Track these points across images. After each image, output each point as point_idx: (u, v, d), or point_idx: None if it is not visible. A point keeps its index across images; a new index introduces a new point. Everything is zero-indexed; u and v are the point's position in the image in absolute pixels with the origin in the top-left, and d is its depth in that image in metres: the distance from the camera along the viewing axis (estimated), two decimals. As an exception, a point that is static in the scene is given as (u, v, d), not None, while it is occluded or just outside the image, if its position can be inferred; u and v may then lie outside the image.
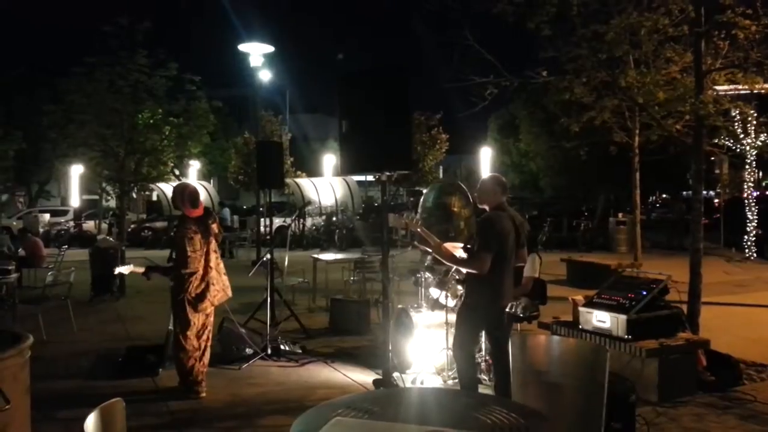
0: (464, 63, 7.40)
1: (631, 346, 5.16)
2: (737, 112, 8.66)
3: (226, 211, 19.99)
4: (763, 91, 7.23)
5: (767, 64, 6.59)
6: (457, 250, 4.72)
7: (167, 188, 21.98)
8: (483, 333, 5.03)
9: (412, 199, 38.32)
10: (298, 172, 25.38)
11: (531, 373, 2.56)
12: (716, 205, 26.72)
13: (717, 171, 18.71)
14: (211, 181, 25.76)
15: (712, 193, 39.03)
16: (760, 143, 13.91)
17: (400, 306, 6.27)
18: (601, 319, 5.44)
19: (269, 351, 6.51)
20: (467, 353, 4.49)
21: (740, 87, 7.51)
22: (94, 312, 9.41)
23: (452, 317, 5.80)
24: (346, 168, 3.84)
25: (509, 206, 4.68)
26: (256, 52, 15.36)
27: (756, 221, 15.19)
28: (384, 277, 4.06)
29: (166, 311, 9.24)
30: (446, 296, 5.83)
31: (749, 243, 15.19)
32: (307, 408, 4.98)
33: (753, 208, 15.25)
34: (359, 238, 18.26)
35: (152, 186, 22.51)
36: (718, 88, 6.97)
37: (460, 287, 5.53)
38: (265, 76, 18.25)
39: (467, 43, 7.24)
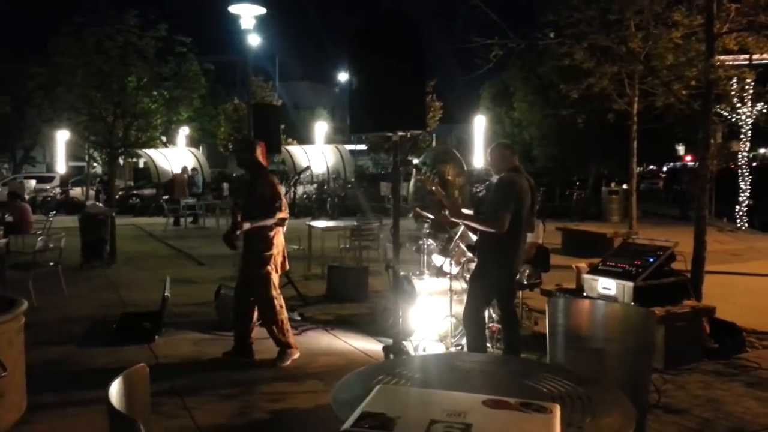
0: (468, 25, 7.19)
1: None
2: (735, 80, 8.55)
3: (198, 178, 19.59)
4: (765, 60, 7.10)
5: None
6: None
7: (156, 155, 21.65)
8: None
9: (403, 168, 38.19)
10: (290, 140, 25.03)
11: (574, 338, 2.46)
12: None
13: (711, 140, 18.63)
14: (200, 147, 25.35)
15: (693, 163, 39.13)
16: (756, 112, 13.81)
17: (402, 273, 6.16)
18: (606, 286, 5.36)
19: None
20: (479, 321, 4.42)
21: (740, 57, 7.38)
22: (85, 279, 9.23)
23: (456, 284, 5.74)
24: (357, 127, 3.67)
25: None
26: (248, 14, 14.92)
27: (748, 192, 15.19)
28: (394, 243, 3.93)
29: (159, 277, 9.21)
30: (450, 263, 5.74)
31: (741, 213, 15.22)
32: (309, 375, 4.97)
33: (746, 179, 15.24)
34: (351, 207, 18.11)
35: (140, 152, 22.14)
36: (720, 57, 6.83)
37: (469, 253, 5.43)
38: (255, 41, 17.80)
39: (473, 3, 7.00)
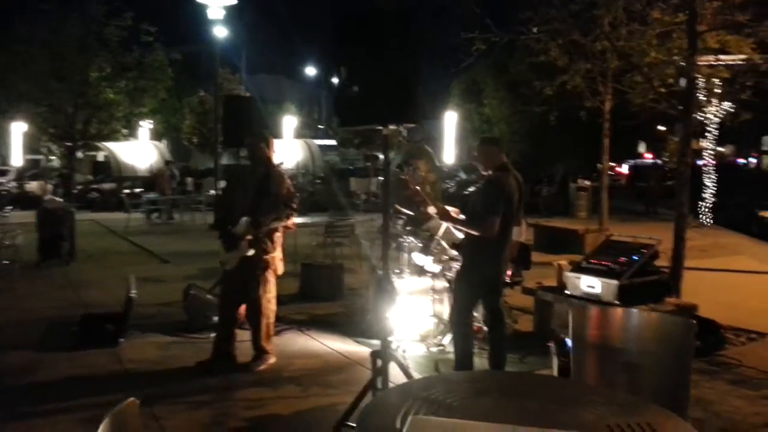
0: (451, 19, 7.05)
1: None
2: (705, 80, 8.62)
3: (175, 171, 19.01)
4: (741, 61, 7.11)
5: (752, 26, 6.45)
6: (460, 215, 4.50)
7: (117, 148, 20.94)
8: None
9: (369, 164, 38.04)
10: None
11: (604, 351, 2.29)
12: (668, 172, 27.35)
13: (677, 138, 18.92)
14: (163, 141, 24.63)
15: (659, 161, 40.11)
16: (723, 111, 14.02)
17: (380, 272, 5.96)
18: (590, 284, 5.27)
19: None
20: (466, 322, 4.27)
21: (711, 58, 7.40)
22: (43, 277, 8.77)
23: (439, 283, 5.57)
24: (346, 120, 3.46)
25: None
26: (216, 3, 14.51)
27: (713, 189, 15.44)
28: (383, 242, 3.73)
29: (122, 276, 8.80)
30: (432, 262, 5.58)
31: (705, 210, 15.46)
32: (286, 380, 4.73)
33: (711, 177, 15.50)
34: (321, 202, 17.82)
35: (100, 146, 21.39)
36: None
37: (454, 252, 5.28)
38: (221, 32, 17.35)
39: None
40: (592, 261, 5.45)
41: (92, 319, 5.96)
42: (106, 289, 7.99)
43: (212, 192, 19.99)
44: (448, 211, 4.49)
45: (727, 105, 14.04)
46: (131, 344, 5.56)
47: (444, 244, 5.77)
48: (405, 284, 5.59)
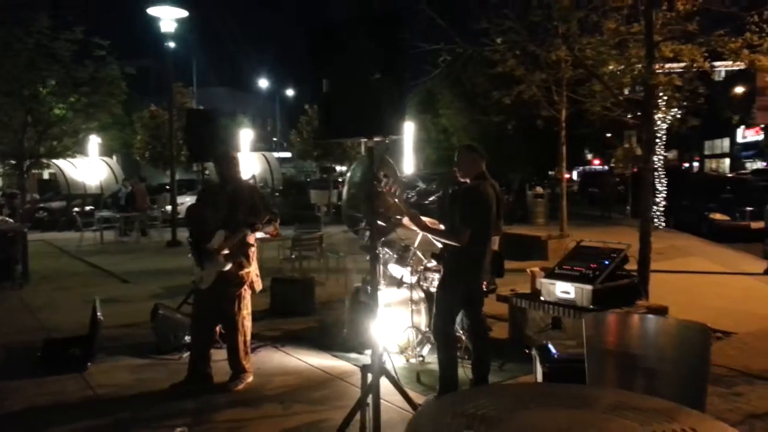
0: (415, 30, 7.10)
1: (596, 317, 5.11)
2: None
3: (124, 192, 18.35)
4: (695, 68, 7.40)
5: (701, 36, 6.73)
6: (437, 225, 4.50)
7: (66, 165, 20.23)
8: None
9: (325, 175, 37.85)
10: (211, 148, 23.98)
11: (620, 358, 2.31)
12: (618, 179, 28.23)
13: (626, 145, 19.58)
14: (114, 157, 23.94)
15: (605, 167, 41.33)
16: (671, 118, 14.55)
17: (357, 284, 5.92)
18: (564, 290, 5.34)
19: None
20: (449, 332, 4.27)
21: (667, 66, 7.68)
22: (-5, 302, 8.37)
23: (416, 294, 5.56)
24: (328, 133, 3.42)
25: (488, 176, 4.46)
26: (168, 16, 14.23)
27: (664, 193, 15.99)
28: (371, 256, 3.70)
29: (80, 298, 8.47)
30: (409, 273, 5.57)
31: (658, 213, 15.97)
32: (267, 398, 4.62)
33: (662, 181, 16.04)
34: (281, 216, 17.61)
35: (46, 163, 20.62)
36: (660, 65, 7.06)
37: (426, 262, 5.28)
38: (173, 45, 17.02)
39: (418, 8, 6.90)
40: (565, 267, 5.52)
41: (55, 343, 5.72)
42: (64, 311, 7.68)
43: (168, 208, 19.55)
44: (421, 220, 4.50)
45: (674, 111, 14.66)
46: (99, 368, 5.35)
47: (420, 254, 5.78)
48: (382, 296, 5.54)
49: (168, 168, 25.05)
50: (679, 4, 6.75)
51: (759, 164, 34.27)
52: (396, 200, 4.35)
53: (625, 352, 2.33)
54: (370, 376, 3.48)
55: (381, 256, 5.89)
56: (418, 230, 4.69)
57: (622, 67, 6.88)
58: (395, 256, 5.76)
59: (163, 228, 17.25)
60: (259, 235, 5.66)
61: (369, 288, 5.55)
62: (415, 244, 5.64)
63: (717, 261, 10.75)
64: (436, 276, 5.62)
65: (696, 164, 45.00)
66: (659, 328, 2.42)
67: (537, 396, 1.53)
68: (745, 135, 38.59)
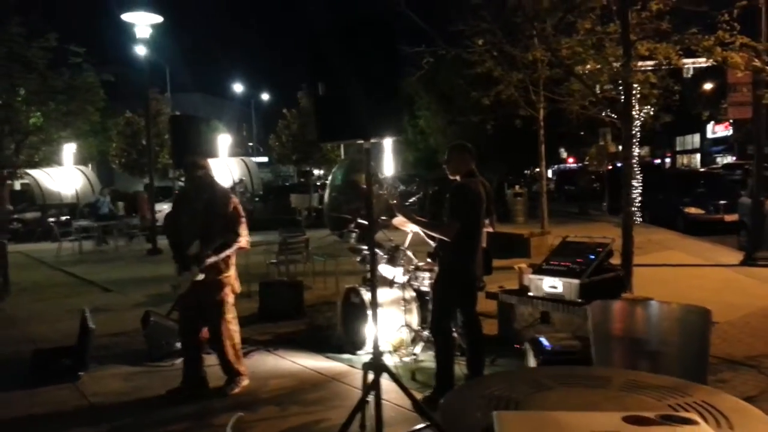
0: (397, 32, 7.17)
1: (585, 310, 5.21)
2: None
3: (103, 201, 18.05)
4: (670, 66, 7.60)
5: (675, 34, 6.92)
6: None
7: (40, 175, 19.89)
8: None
9: (303, 179, 37.73)
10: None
11: (624, 342, 2.40)
12: (593, 176, 28.65)
13: (601, 142, 19.90)
14: (89, 165, 23.57)
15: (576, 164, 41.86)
16: (644, 115, 14.85)
17: (348, 285, 5.97)
18: (552, 285, 5.44)
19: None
20: (447, 329, 4.34)
21: (641, 63, 7.88)
22: (-23, 315, 8.23)
23: (407, 293, 5.63)
24: (325, 135, 3.46)
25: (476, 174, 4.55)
26: (143, 22, 14.13)
27: (640, 189, 16.26)
28: (371, 257, 3.75)
29: (64, 308, 8.38)
30: (401, 273, 5.64)
31: (634, 209, 16.25)
32: (264, 401, 4.64)
33: (637, 177, 16.32)
34: (261, 221, 17.56)
35: (19, 173, 20.28)
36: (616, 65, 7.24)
37: (428, 260, 5.34)
38: (146, 51, 16.86)
39: (398, 10, 6.99)
40: (552, 262, 5.63)
41: (45, 354, 5.66)
42: (49, 322, 7.60)
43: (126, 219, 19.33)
44: (410, 212, 4.59)
45: (647, 108, 14.98)
46: (92, 377, 5.32)
47: (410, 254, 5.85)
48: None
49: (144, 175, 24.84)
50: (653, 4, 6.94)
51: (729, 159, 35.07)
52: (395, 201, 4.42)
53: (629, 336, 2.43)
54: (371, 374, 3.52)
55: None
56: (410, 229, 4.76)
57: (599, 66, 7.04)
58: (386, 256, 5.81)
59: (143, 235, 17.11)
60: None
61: (362, 289, 5.63)
62: (406, 244, 5.71)
63: (694, 254, 11.01)
64: (427, 275, 5.70)
65: (668, 160, 45.89)
66: (662, 313, 2.53)
67: (553, 378, 1.60)
68: (715, 131, 39.52)
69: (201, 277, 4.67)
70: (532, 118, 12.02)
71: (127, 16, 13.89)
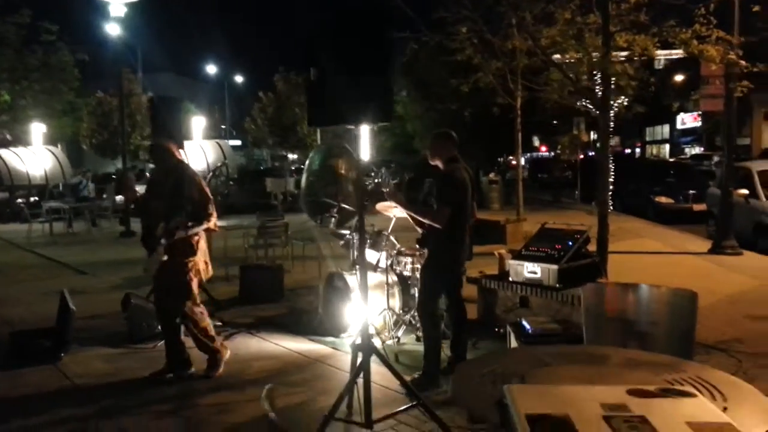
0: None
1: (562, 294, 5.35)
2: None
3: (85, 183, 17.73)
4: (645, 57, 7.76)
5: (653, 26, 7.07)
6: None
7: (8, 155, 19.40)
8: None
9: (277, 164, 37.46)
10: (161, 136, 23.28)
11: (615, 323, 2.50)
12: (566, 165, 29.05)
13: (575, 131, 20.15)
14: (59, 146, 23.00)
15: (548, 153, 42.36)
16: (618, 105, 15.10)
17: (331, 270, 6.02)
18: (532, 270, 5.57)
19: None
20: (435, 311, 4.43)
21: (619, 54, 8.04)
22: (-52, 297, 8.07)
23: (390, 278, 5.70)
24: (317, 120, 3.49)
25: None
26: (118, 0, 13.84)
27: (612, 178, 16.58)
28: (360, 241, 3.80)
29: (39, 291, 8.26)
30: (384, 257, 5.71)
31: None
32: (248, 383, 4.69)
33: (609, 166, 16.63)
34: (236, 205, 17.44)
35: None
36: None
37: (398, 246, 5.42)
38: (114, 30, 16.49)
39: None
40: (532, 248, 5.75)
41: (23, 335, 5.62)
42: (25, 304, 7.51)
43: (118, 198, 19.04)
44: (405, 202, 4.66)
45: (621, 99, 15.25)
46: (73, 359, 5.30)
47: (393, 239, 5.92)
48: (356, 280, 5.66)
49: (115, 156, 24.38)
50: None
51: (697, 149, 35.86)
52: (387, 188, 4.45)
53: (620, 318, 2.54)
54: (360, 356, 3.59)
55: (354, 241, 6.01)
56: (393, 214, 4.81)
57: (580, 55, 7.16)
58: (369, 241, 5.87)
59: (114, 218, 16.86)
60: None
61: (346, 274, 5.68)
62: (389, 230, 5.77)
63: (665, 242, 11.31)
64: (409, 260, 5.78)
65: (638, 150, 46.70)
66: (652, 296, 2.65)
67: (553, 356, 1.69)
68: (684, 121, 40.30)
69: (165, 257, 4.67)
70: (509, 107, 12.15)
71: (100, -6, 13.61)
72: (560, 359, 1.63)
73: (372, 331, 5.50)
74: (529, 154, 46.99)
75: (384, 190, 4.38)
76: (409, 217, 4.94)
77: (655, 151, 46.23)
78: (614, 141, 42.21)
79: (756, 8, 7.26)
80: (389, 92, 3.33)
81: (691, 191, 14.97)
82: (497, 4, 9.07)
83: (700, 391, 1.40)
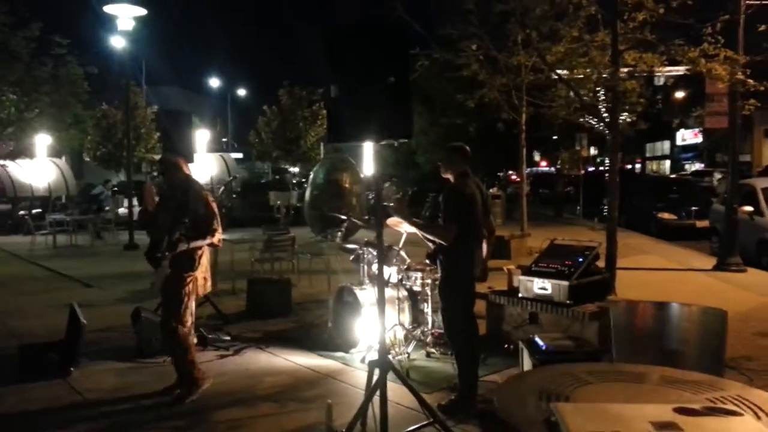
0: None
1: (573, 311, 5.36)
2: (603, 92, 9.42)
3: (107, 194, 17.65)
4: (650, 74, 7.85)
5: (661, 45, 7.15)
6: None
7: (11, 166, 19.45)
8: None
9: (277, 177, 37.47)
10: (165, 149, 23.35)
11: (646, 340, 2.51)
12: (567, 180, 29.07)
13: (578, 147, 20.23)
14: (63, 157, 23.08)
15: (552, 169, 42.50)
16: (621, 122, 15.19)
17: (342, 284, 6.02)
18: (542, 286, 5.58)
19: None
20: (470, 330, 4.36)
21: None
22: (-46, 309, 8.06)
23: (401, 293, 5.70)
24: (337, 136, 3.51)
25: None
26: (126, 14, 13.94)
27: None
28: (378, 254, 3.81)
29: (46, 303, 8.25)
30: (395, 272, 5.72)
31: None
32: (261, 398, 4.67)
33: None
34: (240, 218, 17.46)
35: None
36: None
37: (425, 261, 5.40)
38: (119, 43, 16.57)
39: (396, 15, 7.08)
40: (541, 264, 5.77)
41: (32, 349, 5.60)
42: (32, 317, 7.50)
43: (120, 210, 19.06)
44: (409, 216, 4.61)
45: (624, 115, 15.33)
46: (83, 373, 5.28)
47: (403, 254, 5.93)
48: (367, 295, 5.66)
49: (118, 169, 24.42)
50: (639, 15, 7.15)
51: (698, 166, 35.99)
52: (393, 203, 4.46)
53: (651, 336, 2.54)
54: (376, 372, 3.59)
55: (364, 256, 6.02)
56: (404, 229, 4.80)
57: (588, 71, 7.22)
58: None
59: (118, 230, 16.86)
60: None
61: (356, 288, 5.69)
62: (400, 245, 5.78)
63: (670, 258, 11.31)
64: (419, 275, 5.79)
65: (638, 166, 46.85)
66: (682, 315, 2.66)
67: (590, 374, 1.70)
68: (685, 138, 40.50)
69: (169, 270, 4.66)
70: (513, 122, 12.22)
71: (110, 8, 13.70)
72: (598, 378, 1.64)
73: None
74: (529, 169, 47.04)
75: (390, 204, 4.34)
76: (418, 233, 4.89)
77: (655, 167, 46.39)
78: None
79: (762, 27, 7.32)
80: (409, 109, 3.36)
81: (693, 208, 15.00)
82: (505, 21, 9.16)
83: (743, 410, 1.42)
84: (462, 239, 4.29)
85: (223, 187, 8.25)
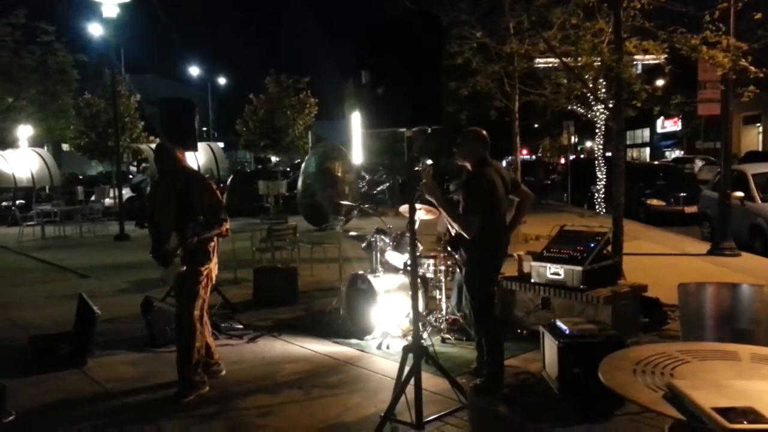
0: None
1: (586, 295, 5.44)
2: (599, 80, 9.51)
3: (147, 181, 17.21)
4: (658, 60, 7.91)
5: (663, 32, 7.22)
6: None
7: (9, 155, 19.01)
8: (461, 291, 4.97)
9: (260, 166, 37.14)
10: (151, 137, 23.05)
11: (715, 321, 2.57)
12: (551, 168, 29.34)
13: (565, 134, 20.44)
14: (45, 147, 22.63)
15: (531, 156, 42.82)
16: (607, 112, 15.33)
17: (354, 272, 6.03)
18: (555, 271, 5.66)
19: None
20: (491, 326, 4.37)
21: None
22: (-50, 301, 7.92)
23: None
24: (369, 123, 3.50)
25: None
26: (111, 1, 13.69)
27: (604, 180, 16.80)
28: (411, 241, 3.82)
29: (44, 295, 8.15)
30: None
31: (598, 199, 16.80)
32: (284, 385, 4.68)
33: (602, 169, 16.88)
34: (227, 207, 17.29)
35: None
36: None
37: (436, 248, 5.43)
38: (100, 31, 16.29)
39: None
40: (553, 250, 5.84)
41: (42, 340, 5.54)
42: (33, 309, 7.41)
43: (107, 201, 18.82)
44: (437, 189, 4.16)
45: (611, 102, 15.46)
46: (98, 363, 5.25)
47: (416, 241, 5.95)
48: (381, 282, 5.68)
49: (102, 159, 24.09)
50: (638, 1, 7.19)
51: (677, 153, 36.53)
52: (425, 180, 4.21)
53: (719, 316, 2.61)
54: (410, 357, 3.62)
55: (377, 243, 6.03)
56: (417, 217, 4.69)
57: (590, 59, 7.28)
58: (392, 243, 5.91)
59: (107, 221, 16.64)
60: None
61: (370, 275, 5.71)
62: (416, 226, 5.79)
63: (663, 243, 11.50)
64: (432, 261, 5.83)
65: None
66: (754, 296, 2.73)
67: (683, 352, 1.74)
68: (664, 125, 41.06)
69: (183, 268, 4.58)
70: (506, 110, 12.27)
71: (94, -6, 13.45)
72: (692, 356, 1.69)
73: (398, 332, 5.58)
74: (510, 157, 47.24)
75: (423, 181, 4.11)
76: (444, 217, 4.72)
77: (635, 155, 46.96)
78: (591, 144, 42.86)
79: (758, 15, 7.43)
80: (440, 96, 3.37)
81: (681, 194, 15.25)
82: (495, 9, 9.17)
83: None
84: (482, 232, 4.11)
85: (232, 176, 8.14)
